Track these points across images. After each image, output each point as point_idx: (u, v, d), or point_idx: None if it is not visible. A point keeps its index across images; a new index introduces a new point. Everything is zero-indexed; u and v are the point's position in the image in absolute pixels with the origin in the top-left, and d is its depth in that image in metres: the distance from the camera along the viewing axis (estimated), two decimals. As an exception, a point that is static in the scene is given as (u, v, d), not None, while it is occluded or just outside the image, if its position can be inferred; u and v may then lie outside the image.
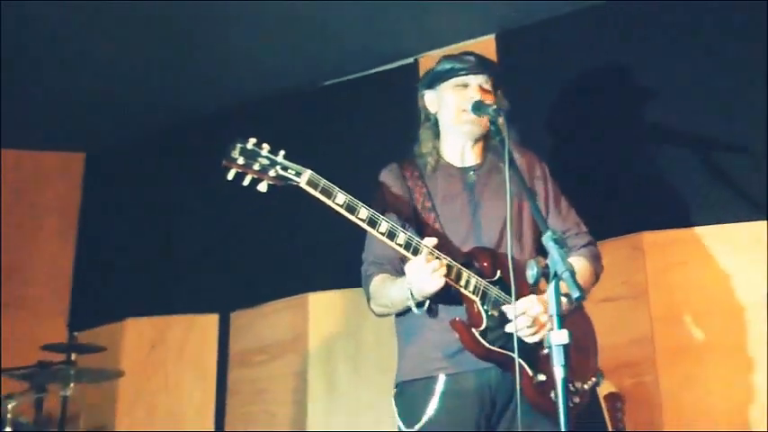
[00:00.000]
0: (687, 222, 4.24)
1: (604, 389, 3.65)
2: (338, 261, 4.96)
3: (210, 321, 5.57)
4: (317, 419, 4.88)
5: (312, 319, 5.06)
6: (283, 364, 5.15)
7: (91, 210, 6.39)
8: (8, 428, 4.37)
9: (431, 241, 2.69)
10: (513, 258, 2.72)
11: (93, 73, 5.52)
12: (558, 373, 2.17)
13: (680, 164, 4.32)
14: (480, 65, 3.06)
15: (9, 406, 4.46)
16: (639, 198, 4.37)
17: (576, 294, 2.18)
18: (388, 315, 3.02)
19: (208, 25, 5.00)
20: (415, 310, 2.79)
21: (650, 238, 4.26)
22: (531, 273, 2.28)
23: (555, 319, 2.22)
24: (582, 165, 4.44)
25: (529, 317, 2.73)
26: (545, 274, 2.27)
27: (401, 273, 2.85)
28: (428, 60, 5.25)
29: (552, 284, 2.25)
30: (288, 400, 5.06)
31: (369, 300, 3.03)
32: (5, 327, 5.98)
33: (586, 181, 4.31)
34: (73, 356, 4.88)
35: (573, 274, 2.22)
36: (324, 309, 5.09)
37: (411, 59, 5.35)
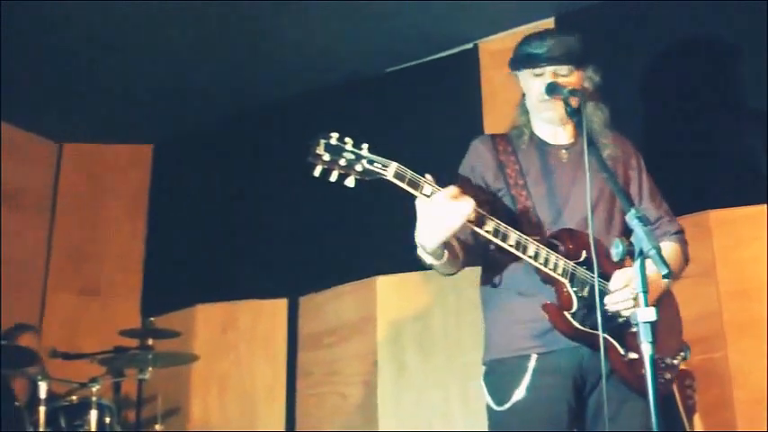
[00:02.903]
0: (753, 200, 4.23)
1: (672, 366, 3.67)
2: (404, 244, 5.05)
3: (280, 306, 5.67)
4: (387, 399, 4.96)
5: (380, 301, 5.12)
6: (353, 346, 5.22)
7: (160, 199, 6.54)
8: (93, 411, 4.53)
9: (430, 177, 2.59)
10: (599, 240, 2.74)
11: (160, 67, 5.66)
12: (646, 349, 2.20)
13: (743, 142, 4.33)
14: (556, 52, 2.94)
15: (93, 389, 4.62)
16: (704, 177, 4.37)
17: (663, 272, 2.20)
18: (448, 273, 2.90)
19: (270, 14, 5.07)
20: (432, 261, 2.71)
21: (716, 216, 4.28)
22: (617, 251, 2.29)
23: (641, 296, 2.24)
24: (644, 145, 4.45)
25: (632, 289, 2.69)
26: (630, 252, 2.28)
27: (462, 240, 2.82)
28: (488, 45, 5.30)
29: (638, 262, 2.28)
30: (358, 381, 5.14)
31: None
32: (82, 312, 6.19)
33: (649, 161, 4.33)
34: (149, 341, 5.04)
35: (659, 251, 2.23)
36: (391, 291, 5.14)
37: (471, 45, 5.39)
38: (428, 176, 2.57)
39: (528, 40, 3.02)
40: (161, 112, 6.23)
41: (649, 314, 2.23)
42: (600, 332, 2.63)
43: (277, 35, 5.31)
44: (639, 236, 2.30)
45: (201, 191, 6.26)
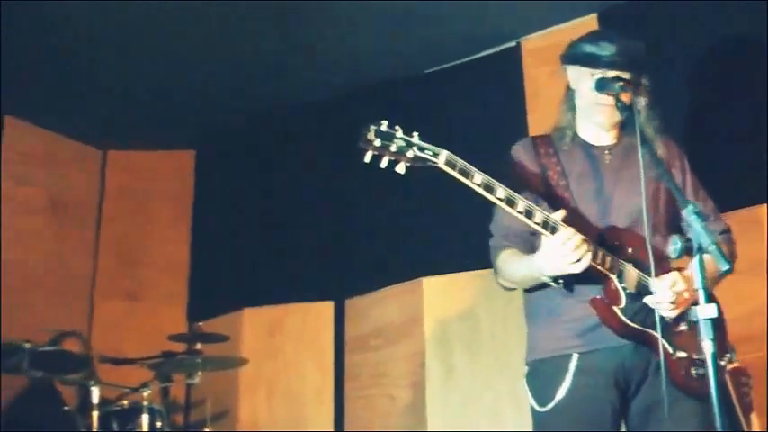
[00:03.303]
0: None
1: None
2: (450, 245, 5.06)
3: (326, 308, 5.66)
4: (436, 401, 4.92)
5: (427, 303, 5.09)
6: (400, 347, 5.20)
7: (204, 203, 6.58)
8: (145, 415, 4.56)
9: (560, 214, 2.66)
10: (646, 238, 2.71)
11: (198, 70, 5.70)
12: (708, 347, 2.18)
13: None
14: (622, 57, 2.90)
15: (144, 393, 4.67)
16: (757, 171, 4.29)
17: (724, 267, 2.18)
18: (514, 289, 3.02)
19: (308, 16, 5.07)
20: (552, 284, 2.76)
21: (769, 209, 4.22)
22: (675, 247, 2.28)
23: (701, 292, 2.22)
24: (694, 141, 4.40)
25: (673, 292, 2.70)
26: (688, 248, 2.27)
27: (530, 246, 2.85)
28: (531, 43, 5.27)
29: (696, 258, 2.26)
30: (406, 382, 5.12)
31: (496, 273, 3.01)
32: (129, 318, 6.26)
33: (701, 156, 4.27)
34: (198, 346, 5.07)
35: (719, 246, 2.22)
36: (438, 293, 5.11)
37: (513, 43, 5.34)
38: (558, 214, 2.66)
39: (594, 38, 2.98)
40: (201, 116, 6.27)
41: (710, 311, 2.20)
42: (658, 333, 2.60)
43: (317, 36, 5.30)
44: (698, 231, 2.27)
45: (245, 194, 6.29)
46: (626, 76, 2.91)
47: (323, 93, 5.89)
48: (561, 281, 2.77)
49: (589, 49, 2.95)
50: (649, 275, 2.72)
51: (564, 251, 2.62)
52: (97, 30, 5.16)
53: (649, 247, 2.62)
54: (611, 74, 2.90)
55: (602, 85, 2.88)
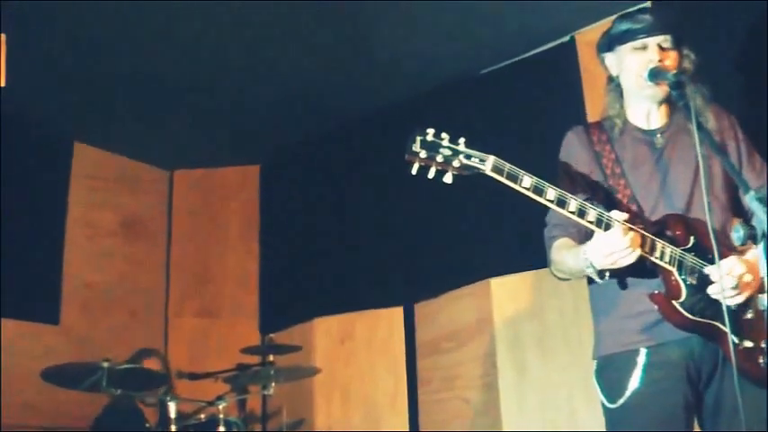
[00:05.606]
0: None
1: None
2: (517, 245, 5.01)
3: (395, 314, 5.68)
4: (510, 402, 4.90)
5: (496, 303, 5.07)
6: (471, 349, 5.19)
7: (271, 217, 6.67)
8: (221, 428, 4.63)
9: (621, 215, 2.62)
10: (703, 223, 2.68)
11: (260, 86, 5.75)
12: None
13: None
14: (658, 23, 2.91)
15: (220, 407, 4.74)
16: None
17: None
18: (568, 280, 2.98)
19: (366, 21, 5.09)
20: (596, 279, 2.71)
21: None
22: (738, 235, 2.24)
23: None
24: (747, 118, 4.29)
25: (732, 277, 2.63)
26: (752, 235, 2.23)
27: (585, 236, 2.80)
28: (585, 36, 5.21)
29: (762, 245, 2.23)
30: (479, 384, 5.10)
31: (550, 263, 2.98)
32: (203, 333, 6.37)
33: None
34: (270, 357, 5.14)
35: (784, 231, 2.17)
36: (507, 293, 5.09)
37: (567, 37, 5.29)
38: (618, 214, 2.61)
39: (624, 16, 2.99)
40: (264, 131, 6.35)
41: (779, 298, 2.16)
42: (724, 325, 2.53)
43: (373, 43, 5.33)
44: (761, 218, 2.23)
45: (310, 205, 6.36)
46: (667, 42, 2.91)
47: (381, 101, 5.91)
48: (605, 277, 2.72)
49: (624, 26, 2.96)
50: (711, 263, 2.65)
51: (613, 249, 2.59)
52: (158, 52, 5.27)
53: (713, 238, 2.52)
54: (653, 41, 2.88)
55: (654, 75, 2.84)
